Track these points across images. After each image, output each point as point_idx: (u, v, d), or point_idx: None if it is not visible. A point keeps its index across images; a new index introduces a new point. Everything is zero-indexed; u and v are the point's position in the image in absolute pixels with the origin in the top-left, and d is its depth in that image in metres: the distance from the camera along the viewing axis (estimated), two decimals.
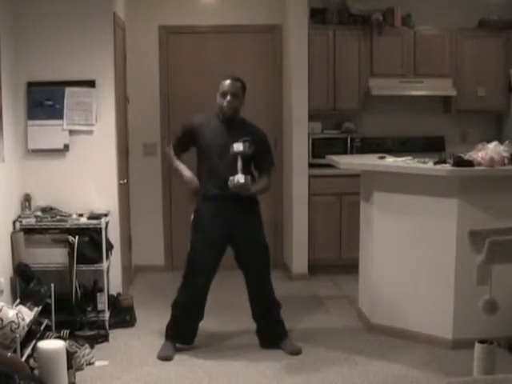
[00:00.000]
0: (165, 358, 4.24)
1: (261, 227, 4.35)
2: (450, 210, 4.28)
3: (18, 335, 3.55)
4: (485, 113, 6.71)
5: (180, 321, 4.34)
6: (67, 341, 4.03)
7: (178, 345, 4.36)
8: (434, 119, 6.74)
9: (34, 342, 3.85)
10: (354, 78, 6.35)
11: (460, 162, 4.18)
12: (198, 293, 4.29)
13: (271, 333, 4.42)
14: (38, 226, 4.61)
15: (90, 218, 4.72)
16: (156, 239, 6.43)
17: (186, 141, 4.37)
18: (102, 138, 4.97)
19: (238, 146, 4.12)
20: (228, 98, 4.18)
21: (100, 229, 4.66)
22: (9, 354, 3.38)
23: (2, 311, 3.54)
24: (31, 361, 3.76)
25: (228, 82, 4.22)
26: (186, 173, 4.30)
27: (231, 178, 4.07)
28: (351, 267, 5.34)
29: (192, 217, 4.33)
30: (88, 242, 4.64)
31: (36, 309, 4.05)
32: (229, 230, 4.24)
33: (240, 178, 4.06)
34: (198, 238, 4.28)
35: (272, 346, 4.39)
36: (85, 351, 4.15)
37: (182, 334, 4.36)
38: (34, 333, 3.92)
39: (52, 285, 4.40)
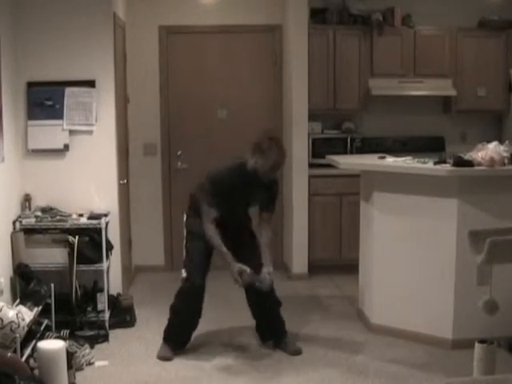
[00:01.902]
0: (165, 358, 4.24)
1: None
2: (449, 210, 4.28)
3: (17, 335, 3.55)
4: (485, 113, 6.71)
5: (176, 325, 4.32)
6: (67, 341, 4.02)
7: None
8: (434, 119, 6.74)
9: (34, 342, 3.85)
10: (353, 78, 6.35)
11: (460, 162, 4.18)
12: (196, 300, 4.27)
13: (271, 330, 4.42)
14: (38, 226, 4.62)
15: (90, 218, 4.72)
16: (156, 239, 6.43)
17: (220, 193, 4.16)
18: (102, 138, 4.97)
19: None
20: (274, 174, 4.21)
21: (100, 229, 4.66)
22: (9, 354, 3.38)
23: (2, 311, 3.55)
24: (31, 361, 3.76)
25: (283, 160, 4.19)
26: (235, 265, 4.08)
27: (259, 277, 4.12)
28: (351, 267, 5.34)
29: (185, 217, 4.33)
30: (88, 242, 4.64)
31: (36, 309, 4.05)
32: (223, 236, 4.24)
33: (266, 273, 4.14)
34: (195, 246, 4.24)
35: (273, 341, 4.40)
36: (85, 351, 4.15)
37: (175, 337, 4.34)
38: (34, 333, 3.92)
39: (52, 285, 4.40)
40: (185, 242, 4.30)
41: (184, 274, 4.23)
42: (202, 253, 4.23)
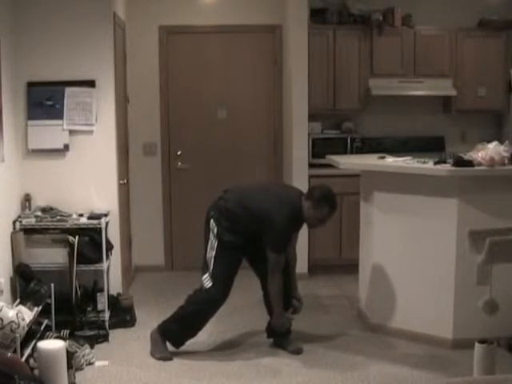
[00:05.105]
0: (165, 358, 4.24)
1: None
2: (450, 210, 4.28)
3: (18, 335, 3.55)
4: (485, 113, 6.71)
5: (179, 327, 4.27)
6: (67, 341, 4.02)
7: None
8: (434, 119, 6.74)
9: (34, 342, 3.85)
10: (354, 78, 6.36)
11: (460, 162, 4.18)
12: (210, 314, 4.27)
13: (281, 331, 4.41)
14: (38, 226, 4.62)
15: (90, 218, 4.72)
16: (156, 239, 6.43)
17: (288, 240, 4.27)
18: (102, 138, 4.97)
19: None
20: (320, 226, 4.31)
21: (100, 229, 4.66)
22: (9, 354, 3.39)
23: (2, 311, 3.54)
24: (31, 361, 3.76)
25: (333, 214, 4.19)
26: (286, 316, 4.35)
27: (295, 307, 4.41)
28: (351, 267, 5.34)
29: (216, 228, 4.19)
30: (88, 241, 4.64)
31: (36, 309, 4.05)
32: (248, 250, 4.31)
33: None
34: (227, 259, 4.19)
35: (279, 338, 4.41)
36: (85, 351, 4.14)
37: (172, 337, 4.31)
38: (34, 333, 3.92)
39: (52, 285, 4.40)
40: (214, 252, 4.18)
41: (209, 283, 4.17)
42: (232, 268, 4.21)
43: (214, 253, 4.18)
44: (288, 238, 4.21)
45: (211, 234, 4.22)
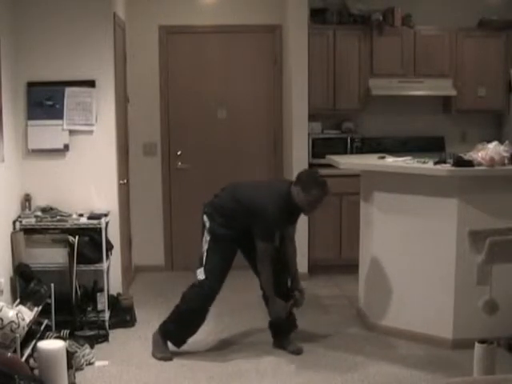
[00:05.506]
0: (165, 358, 4.24)
1: None
2: (450, 210, 4.28)
3: (18, 335, 3.55)
4: (485, 113, 6.71)
5: (178, 327, 4.28)
6: (67, 341, 4.02)
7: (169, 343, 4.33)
8: (434, 119, 6.74)
9: (34, 342, 3.85)
10: (354, 78, 6.36)
11: (460, 162, 4.18)
12: (206, 307, 4.27)
13: (284, 324, 4.41)
14: (38, 226, 4.62)
15: (90, 218, 4.72)
16: (156, 239, 6.43)
17: (278, 227, 4.28)
18: (102, 138, 4.97)
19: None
20: (314, 210, 4.29)
21: (100, 229, 4.66)
22: (9, 354, 3.39)
23: (2, 311, 3.54)
24: (31, 361, 3.76)
25: (324, 198, 4.17)
26: (285, 304, 4.32)
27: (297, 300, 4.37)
28: (351, 267, 5.34)
29: (208, 223, 4.24)
30: (88, 241, 4.64)
31: (36, 309, 4.05)
32: (242, 243, 4.31)
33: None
34: (220, 252, 4.22)
35: (280, 339, 4.42)
36: (85, 351, 4.15)
37: (172, 337, 4.31)
38: (34, 333, 3.92)
39: (52, 285, 4.40)
40: (207, 246, 4.21)
41: (202, 276, 4.19)
42: (225, 260, 4.24)
43: (206, 246, 4.23)
44: (277, 227, 4.21)
45: (204, 228, 4.27)
